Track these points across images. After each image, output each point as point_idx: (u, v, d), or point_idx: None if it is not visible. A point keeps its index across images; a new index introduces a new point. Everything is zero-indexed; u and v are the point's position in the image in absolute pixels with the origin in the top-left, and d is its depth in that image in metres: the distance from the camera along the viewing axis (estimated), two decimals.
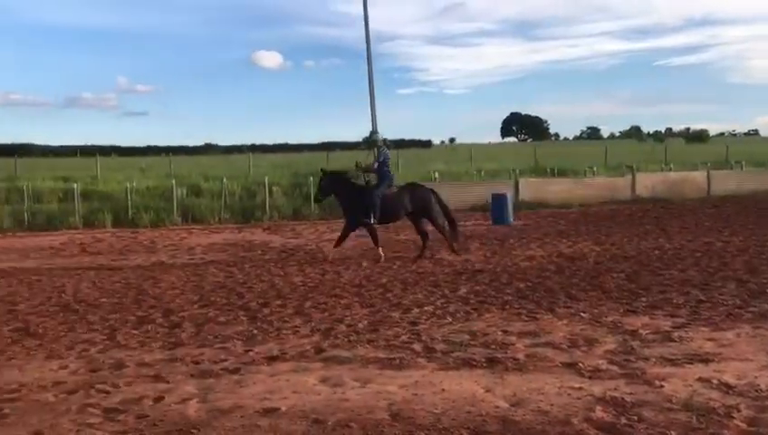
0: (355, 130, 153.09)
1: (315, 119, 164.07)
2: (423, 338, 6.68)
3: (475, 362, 5.83)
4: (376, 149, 13.12)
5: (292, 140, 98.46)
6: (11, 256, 13.96)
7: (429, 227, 12.59)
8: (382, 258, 11.92)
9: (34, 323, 7.83)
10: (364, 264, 11.61)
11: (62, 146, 72.91)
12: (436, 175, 24.78)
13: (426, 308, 8.03)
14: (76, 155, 49.41)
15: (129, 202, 20.27)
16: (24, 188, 20.83)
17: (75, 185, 20.77)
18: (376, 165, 12.57)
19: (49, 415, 4.87)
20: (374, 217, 12.21)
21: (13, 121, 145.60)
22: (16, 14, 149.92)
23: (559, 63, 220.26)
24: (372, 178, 12.56)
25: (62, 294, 9.58)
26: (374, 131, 28.79)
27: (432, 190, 12.86)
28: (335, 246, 12.56)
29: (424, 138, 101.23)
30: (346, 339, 6.75)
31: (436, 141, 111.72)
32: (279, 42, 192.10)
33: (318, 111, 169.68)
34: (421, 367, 5.78)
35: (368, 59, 27.84)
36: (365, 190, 12.36)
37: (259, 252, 13.77)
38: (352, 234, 12.79)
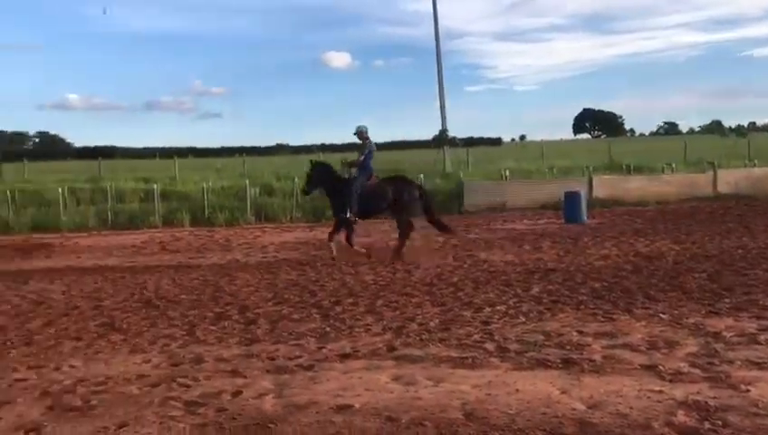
0: (424, 129, 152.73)
1: (384, 118, 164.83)
2: (496, 337, 6.62)
3: (549, 363, 5.73)
4: (362, 143, 12.76)
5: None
6: (96, 254, 14.61)
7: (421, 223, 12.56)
8: (334, 252, 12.04)
9: (119, 319, 8.17)
10: (432, 262, 11.58)
11: (142, 148, 75.63)
12: (507, 173, 24.49)
13: (498, 307, 7.95)
14: (155, 157, 51.19)
15: (206, 202, 20.90)
16: (108, 188, 21.77)
17: (155, 186, 21.56)
18: (362, 158, 12.41)
19: (133, 407, 5.06)
20: (350, 211, 12.07)
21: (96, 125, 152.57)
22: (98, 22, 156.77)
23: (634, 57, 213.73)
24: (355, 172, 12.49)
25: (144, 291, 9.96)
26: (444, 130, 28.87)
27: (419, 186, 12.62)
28: (329, 240, 12.39)
29: (493, 135, 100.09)
30: (418, 337, 6.75)
31: (506, 139, 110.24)
32: (348, 42, 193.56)
33: (387, 110, 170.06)
34: (494, 367, 5.73)
35: (437, 57, 27.78)
36: (345, 184, 12.29)
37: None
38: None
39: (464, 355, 6.05)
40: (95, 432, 4.59)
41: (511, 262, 11.45)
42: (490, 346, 6.32)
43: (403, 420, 4.55)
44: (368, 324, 7.41)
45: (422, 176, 22.12)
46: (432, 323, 7.31)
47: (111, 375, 5.89)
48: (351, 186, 12.14)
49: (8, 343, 7.21)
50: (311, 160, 13.35)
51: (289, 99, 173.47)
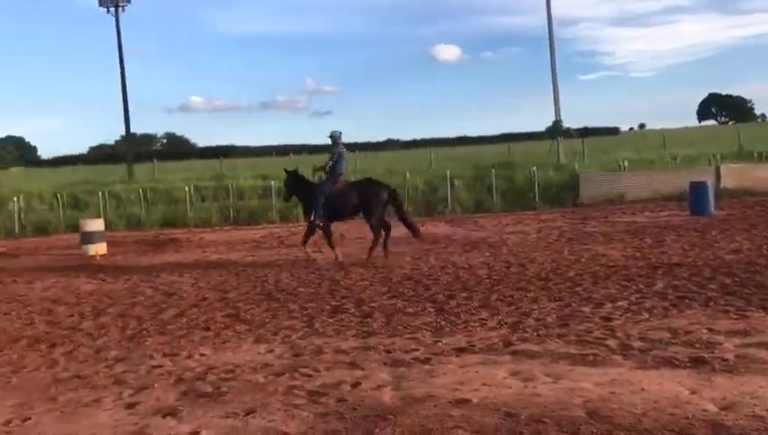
0: (537, 121, 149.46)
1: (494, 110, 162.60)
2: (618, 334, 6.39)
3: (677, 362, 5.47)
4: (333, 147, 12.85)
5: (472, 133, 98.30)
6: (219, 249, 15.36)
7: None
8: (309, 256, 12.23)
9: (243, 310, 8.56)
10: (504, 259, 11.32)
11: (259, 146, 78.71)
12: (626, 164, 23.52)
13: (619, 303, 7.67)
14: (272, 155, 53.14)
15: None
16: (229, 186, 22.84)
17: (272, 182, 22.39)
18: (330, 164, 12.43)
19: (260, 395, 5.30)
20: (314, 215, 12.16)
21: (217, 125, 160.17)
22: (216, 27, 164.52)
23: (764, 38, 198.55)
24: (323, 176, 12.62)
25: (265, 284, 10.37)
26: (558, 120, 28.13)
27: (389, 189, 12.50)
28: (332, 248, 12.38)
29: (610, 125, 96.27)
30: (535, 333, 6.64)
31: (624, 128, 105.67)
32: (457, 35, 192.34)
33: (497, 102, 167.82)
34: (617, 365, 5.53)
35: (550, 46, 27.11)
36: (313, 189, 12.42)
37: (443, 244, 13.93)
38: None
39: (584, 352, 5.88)
40: (226, 417, 4.84)
41: (632, 256, 11.00)
42: (612, 343, 6.11)
43: (522, 417, 4.49)
44: (483, 319, 7.36)
45: (534, 168, 21.69)
46: (549, 319, 7.16)
47: (238, 364, 6.19)
48: (316, 191, 12.33)
49: (144, 332, 7.74)
50: (285, 169, 13.54)
51: (398, 94, 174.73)
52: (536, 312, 7.51)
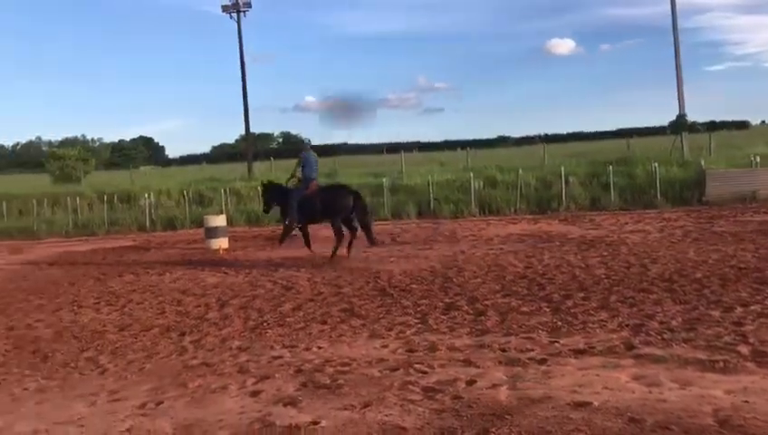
0: (658, 115, 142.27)
1: (611, 105, 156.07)
2: (750, 340, 6.00)
3: None
4: (300, 153, 13.64)
5: (587, 129, 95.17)
6: (332, 245, 15.69)
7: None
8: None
9: (357, 305, 8.73)
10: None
11: (371, 144, 79.83)
12: (758, 159, 21.96)
13: (751, 307, 7.19)
14: (383, 152, 53.75)
15: (431, 194, 21.50)
16: None
17: (384, 180, 22.66)
18: (300, 169, 13.24)
19: (376, 388, 5.39)
20: (287, 220, 13.13)
21: (329, 124, 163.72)
22: (328, 28, 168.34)
23: None
24: (296, 182, 13.36)
25: (378, 280, 10.51)
26: (682, 114, 26.67)
27: (355, 195, 12.91)
28: (308, 247, 13.11)
29: (739, 118, 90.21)
30: (659, 337, 6.34)
31: (755, 122, 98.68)
32: (572, 28, 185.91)
33: (614, 96, 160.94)
34: (750, 372, 5.20)
35: (674, 37, 25.78)
36: (287, 194, 13.18)
37: (557, 243, 13.59)
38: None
39: (713, 358, 5.57)
40: (343, 409, 4.96)
41: (764, 257, 10.27)
42: (744, 349, 5.75)
43: (648, 423, 4.32)
44: (602, 320, 7.12)
45: (656, 164, 20.71)
46: (674, 322, 6.82)
47: (354, 357, 6.32)
48: (290, 195, 13.08)
49: (265, 324, 8.06)
50: (261, 181, 14.45)
51: (510, 90, 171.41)
52: (660, 314, 7.18)
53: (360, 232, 12.90)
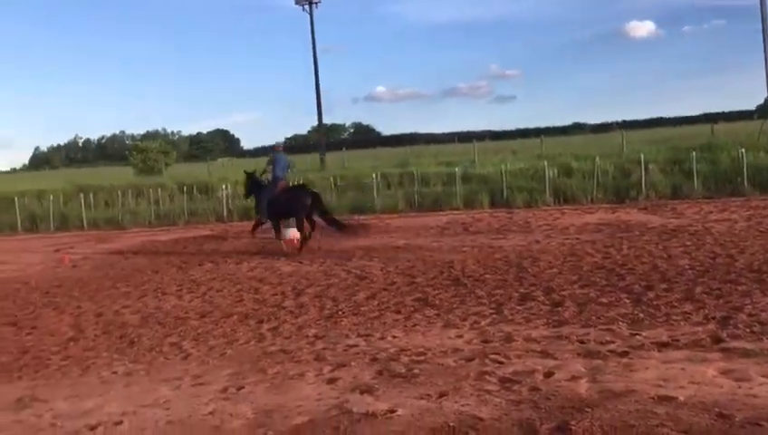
0: (744, 99, 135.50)
1: (694, 89, 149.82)
2: None
3: None
4: (270, 154, 15.35)
5: (668, 114, 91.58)
6: (406, 234, 15.73)
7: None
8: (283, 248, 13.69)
9: (431, 295, 8.71)
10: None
11: (442, 133, 79.55)
12: None
13: None
14: (454, 141, 53.45)
15: (504, 183, 21.21)
16: (414, 173, 23.31)
17: (456, 169, 22.50)
18: (270, 169, 14.50)
19: (451, 378, 5.37)
20: (260, 214, 14.65)
21: (401, 114, 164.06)
22: (401, 18, 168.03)
23: None
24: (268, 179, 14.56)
25: (452, 270, 10.46)
26: None
27: (313, 194, 14.23)
28: (278, 238, 14.11)
29: None
30: (748, 330, 6.07)
31: None
32: (651, 9, 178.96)
33: (697, 80, 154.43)
34: None
35: (762, 16, 24.47)
36: (261, 190, 14.51)
37: (637, 232, 13.17)
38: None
39: None
40: (419, 398, 4.96)
41: None
42: None
43: (737, 419, 4.14)
44: (686, 312, 6.87)
45: (743, 150, 19.74)
46: (765, 315, 6.51)
47: (429, 347, 6.31)
48: (261, 193, 14.46)
49: (340, 312, 8.16)
50: (244, 171, 15.59)
51: (586, 76, 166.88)
52: (749, 307, 6.86)
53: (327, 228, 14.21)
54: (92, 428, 4.98)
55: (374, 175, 23.04)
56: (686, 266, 9.29)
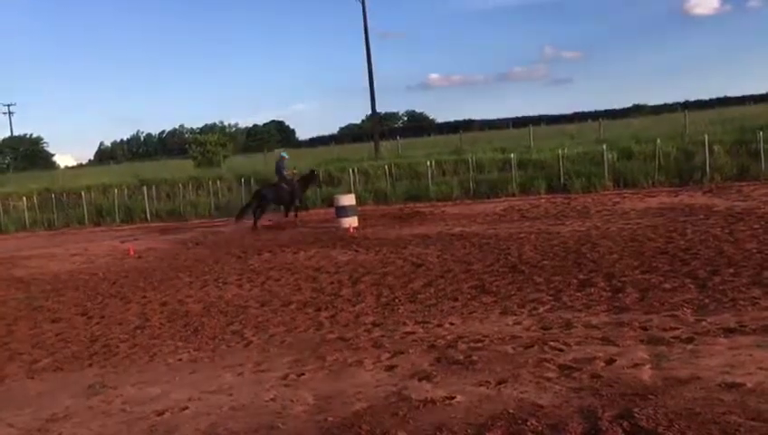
0: None
1: (761, 66, 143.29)
2: None
3: None
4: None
5: (733, 93, 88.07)
6: (461, 222, 15.66)
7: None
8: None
9: (488, 282, 8.66)
10: None
11: (497, 119, 78.38)
12: None
13: None
14: (509, 127, 52.75)
15: (561, 169, 20.84)
16: (469, 160, 23.12)
17: (512, 155, 22.23)
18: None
19: (510, 365, 5.33)
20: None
21: (455, 100, 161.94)
22: (453, 3, 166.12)
23: None
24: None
25: (509, 256, 10.37)
26: None
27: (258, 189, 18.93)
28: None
29: None
30: None
31: None
32: None
33: (765, 56, 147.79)
34: None
35: None
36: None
37: (701, 216, 12.78)
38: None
39: None
40: (478, 385, 4.94)
41: None
42: None
43: None
44: (755, 297, 6.64)
45: None
46: None
47: (487, 334, 6.28)
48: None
49: (396, 300, 8.19)
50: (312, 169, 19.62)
51: (646, 56, 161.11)
52: None
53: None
54: (160, 413, 5.15)
55: (428, 162, 22.98)
56: (754, 250, 8.98)
